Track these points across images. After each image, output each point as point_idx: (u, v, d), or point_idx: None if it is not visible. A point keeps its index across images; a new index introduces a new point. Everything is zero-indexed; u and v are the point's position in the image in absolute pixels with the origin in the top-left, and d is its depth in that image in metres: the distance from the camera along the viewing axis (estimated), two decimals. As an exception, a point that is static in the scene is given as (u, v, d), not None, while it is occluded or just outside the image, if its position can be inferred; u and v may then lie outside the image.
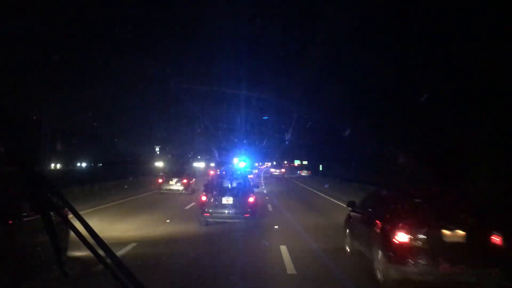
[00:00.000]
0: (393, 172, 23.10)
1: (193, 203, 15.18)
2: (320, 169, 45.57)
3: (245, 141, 37.91)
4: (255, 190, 13.35)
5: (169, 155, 39.27)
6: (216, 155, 38.51)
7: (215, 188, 11.59)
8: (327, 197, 21.62)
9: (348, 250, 7.48)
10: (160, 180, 21.02)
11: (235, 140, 37.48)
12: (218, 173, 15.24)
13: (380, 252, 5.52)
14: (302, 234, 10.42)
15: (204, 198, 11.17)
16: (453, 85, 16.65)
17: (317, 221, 12.42)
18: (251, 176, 34.91)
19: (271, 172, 53.88)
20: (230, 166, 23.85)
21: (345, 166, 35.07)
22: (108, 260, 1.66)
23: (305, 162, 49.68)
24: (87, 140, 29.26)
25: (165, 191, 20.18)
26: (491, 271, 4.82)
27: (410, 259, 4.95)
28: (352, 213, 7.75)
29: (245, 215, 11.04)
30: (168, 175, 21.45)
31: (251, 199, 11.34)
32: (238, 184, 11.94)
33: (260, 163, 63.10)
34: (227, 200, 11.10)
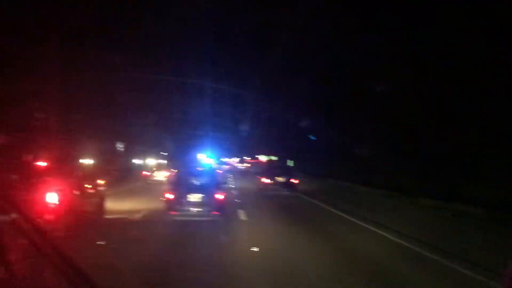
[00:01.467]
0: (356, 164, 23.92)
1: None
2: (292, 165, 46.45)
3: (211, 136, 37.71)
4: (224, 186, 13.19)
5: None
6: (174, 149, 38.11)
7: (182, 185, 11.32)
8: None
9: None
10: (147, 173, 27.55)
11: (201, 135, 37.19)
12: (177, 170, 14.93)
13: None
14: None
15: (170, 195, 10.92)
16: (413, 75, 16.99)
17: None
18: (220, 171, 34.92)
19: (239, 167, 54.38)
20: (195, 162, 23.86)
21: (314, 160, 35.72)
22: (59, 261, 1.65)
23: (274, 158, 50.01)
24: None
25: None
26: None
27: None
28: None
29: (213, 213, 10.84)
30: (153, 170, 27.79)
31: (219, 196, 11.10)
32: (205, 180, 11.70)
33: (229, 159, 63.05)
34: (194, 197, 10.93)
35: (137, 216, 12.04)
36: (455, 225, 11.69)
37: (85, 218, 9.86)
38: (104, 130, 33.68)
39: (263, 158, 52.64)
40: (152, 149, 42.44)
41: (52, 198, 8.55)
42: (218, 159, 49.07)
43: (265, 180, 21.55)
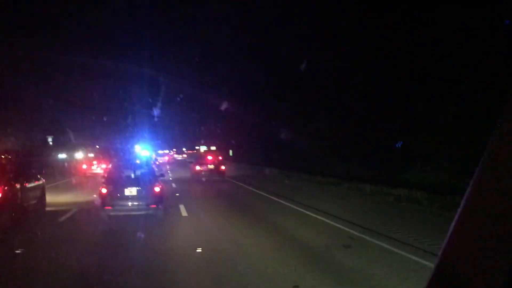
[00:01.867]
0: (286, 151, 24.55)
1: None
2: (230, 154, 45.80)
3: (148, 128, 36.75)
4: (161, 179, 12.83)
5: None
6: (109, 141, 36.71)
7: (117, 178, 11.03)
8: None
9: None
10: (85, 166, 27.12)
11: (136, 126, 35.97)
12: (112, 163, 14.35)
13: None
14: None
15: (104, 190, 10.51)
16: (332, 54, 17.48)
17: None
18: (158, 162, 34.47)
19: (177, 158, 54.10)
20: (131, 154, 23.15)
21: (256, 150, 36.24)
22: None
23: (213, 148, 50.04)
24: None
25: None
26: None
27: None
28: None
29: (151, 206, 10.57)
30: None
31: (157, 189, 10.88)
32: (142, 173, 11.43)
33: (167, 151, 61.82)
34: (130, 191, 10.59)
35: (69, 212, 11.64)
36: (396, 209, 12.00)
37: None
38: (30, 123, 31.98)
39: (203, 148, 52.58)
40: (85, 141, 40.35)
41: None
42: (155, 151, 47.80)
43: (197, 168, 24.31)
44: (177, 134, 51.65)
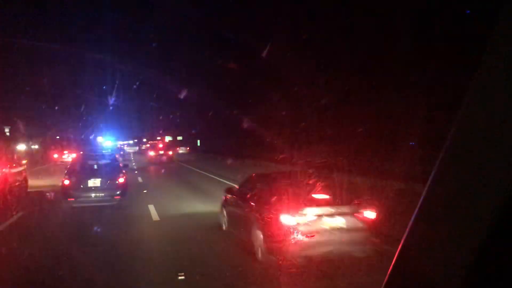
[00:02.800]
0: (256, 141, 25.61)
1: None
2: (198, 144, 46.91)
3: (110, 119, 36.98)
4: (124, 168, 12.86)
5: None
6: (70, 131, 36.57)
7: (80, 169, 11.36)
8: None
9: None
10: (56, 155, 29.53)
11: (99, 117, 36.10)
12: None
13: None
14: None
15: (66, 182, 10.76)
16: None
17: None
18: (121, 152, 35.39)
19: (140, 148, 54.59)
20: (94, 145, 23.84)
21: (220, 139, 37.09)
22: None
23: (179, 138, 49.80)
24: None
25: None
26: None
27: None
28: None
29: (115, 197, 10.90)
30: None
31: (121, 180, 11.21)
32: (105, 164, 11.88)
33: (131, 142, 61.77)
34: (94, 182, 10.86)
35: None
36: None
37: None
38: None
39: (168, 139, 52.93)
40: (44, 131, 39.65)
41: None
42: (118, 141, 47.87)
43: (151, 154, 34.46)
44: (137, 124, 51.56)
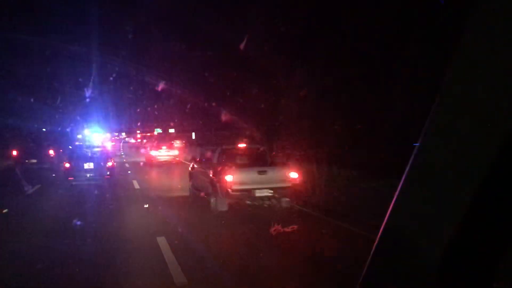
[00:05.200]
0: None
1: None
2: (193, 137, 46.82)
3: (101, 111, 39.26)
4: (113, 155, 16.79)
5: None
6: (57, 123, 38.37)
7: (77, 156, 15.05)
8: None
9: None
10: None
11: (89, 109, 38.23)
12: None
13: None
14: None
15: (67, 165, 14.49)
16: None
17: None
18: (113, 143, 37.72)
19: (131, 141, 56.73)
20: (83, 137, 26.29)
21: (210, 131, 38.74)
22: None
23: (171, 131, 50.03)
24: None
25: None
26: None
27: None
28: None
29: (106, 177, 14.62)
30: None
31: (109, 163, 15.04)
32: (98, 152, 15.83)
33: (122, 135, 64.17)
34: (89, 165, 14.55)
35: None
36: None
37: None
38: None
39: (158, 131, 53.53)
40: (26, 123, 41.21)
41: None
42: (110, 133, 50.37)
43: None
44: (117, 117, 53.32)
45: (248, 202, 8.70)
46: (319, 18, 17.62)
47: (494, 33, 1.06)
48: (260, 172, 8.78)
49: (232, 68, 24.00)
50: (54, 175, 17.14)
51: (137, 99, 41.37)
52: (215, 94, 27.27)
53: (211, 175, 9.50)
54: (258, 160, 9.77)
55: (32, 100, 33.67)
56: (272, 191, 8.64)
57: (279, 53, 20.04)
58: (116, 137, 61.01)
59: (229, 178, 8.66)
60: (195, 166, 11.35)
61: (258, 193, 8.54)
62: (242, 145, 10.79)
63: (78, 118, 39.74)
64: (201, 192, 10.18)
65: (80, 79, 32.28)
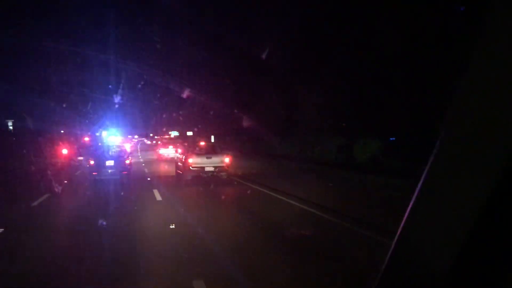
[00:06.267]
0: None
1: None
2: (212, 140, 47.17)
3: (110, 114, 40.98)
4: (130, 155, 21.73)
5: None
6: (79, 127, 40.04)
7: (100, 155, 18.51)
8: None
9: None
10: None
11: (99, 112, 40.76)
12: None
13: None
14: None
15: (92, 162, 18.01)
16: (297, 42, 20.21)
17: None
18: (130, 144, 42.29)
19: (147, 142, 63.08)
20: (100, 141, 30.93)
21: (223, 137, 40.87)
22: None
23: (189, 133, 47.86)
24: None
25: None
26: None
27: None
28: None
29: (123, 173, 17.82)
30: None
31: (127, 161, 18.89)
32: (117, 151, 19.56)
33: (137, 137, 68.45)
34: (109, 163, 17.84)
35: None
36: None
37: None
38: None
39: (174, 134, 55.97)
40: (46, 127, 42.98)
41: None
42: (127, 136, 55.81)
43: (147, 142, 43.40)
44: (141, 121, 55.80)
45: (201, 173, 15.90)
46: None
47: None
48: (207, 157, 16.17)
49: (250, 76, 25.83)
50: (79, 171, 20.70)
51: (157, 105, 42.66)
52: (233, 100, 29.30)
53: (183, 160, 16.92)
54: (209, 150, 17.43)
55: (64, 105, 35.12)
56: (214, 168, 16.01)
57: (292, 67, 21.46)
58: (134, 139, 66.14)
59: (190, 160, 16.06)
60: (178, 157, 18.72)
61: (206, 169, 15.97)
62: (202, 143, 18.74)
63: (103, 122, 44.24)
64: (179, 170, 17.62)
65: (98, 86, 34.54)
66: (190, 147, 19.16)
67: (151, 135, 61.37)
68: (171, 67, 30.20)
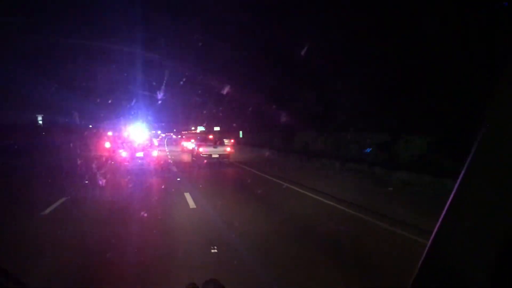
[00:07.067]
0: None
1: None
2: (241, 136, 49.05)
3: (150, 110, 43.12)
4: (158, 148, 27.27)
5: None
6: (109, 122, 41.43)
7: (131, 147, 22.19)
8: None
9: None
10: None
11: (138, 108, 42.44)
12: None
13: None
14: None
15: (124, 153, 21.62)
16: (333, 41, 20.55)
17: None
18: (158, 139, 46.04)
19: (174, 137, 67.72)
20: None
21: (260, 133, 41.67)
22: None
23: (217, 129, 46.13)
24: None
25: None
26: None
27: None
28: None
29: (151, 162, 21.78)
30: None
31: (155, 153, 23.47)
32: (146, 144, 23.24)
33: (159, 132, 71.02)
34: (139, 154, 21.93)
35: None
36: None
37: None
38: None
39: (201, 129, 58.10)
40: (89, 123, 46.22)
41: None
42: (155, 131, 59.39)
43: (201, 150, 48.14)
44: (181, 117, 60.08)
45: (209, 159, 22.10)
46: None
47: None
48: (214, 147, 22.51)
49: (286, 73, 26.92)
50: (113, 162, 22.38)
51: (189, 101, 47.59)
52: (268, 97, 30.47)
53: (196, 149, 23.09)
54: (215, 142, 23.39)
55: (109, 101, 39.03)
56: (218, 155, 22.14)
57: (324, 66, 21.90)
58: (162, 134, 70.40)
59: (200, 149, 22.39)
60: (193, 148, 24.91)
61: (213, 156, 22.35)
62: (210, 136, 25.10)
63: (135, 117, 47.51)
64: (193, 157, 23.73)
65: (134, 86, 36.84)
66: (202, 140, 25.74)
67: (174, 130, 66.55)
68: (207, 66, 32.77)
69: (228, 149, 23.34)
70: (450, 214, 1.16)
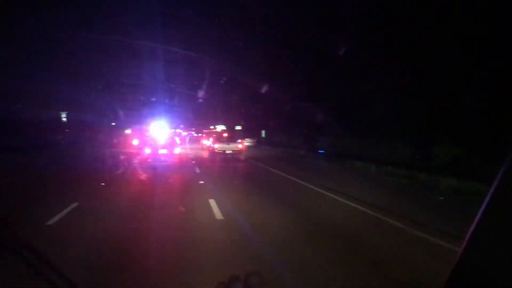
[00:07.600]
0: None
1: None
2: (263, 136, 49.44)
3: (165, 106, 44.74)
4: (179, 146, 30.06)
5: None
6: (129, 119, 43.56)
7: (155, 144, 23.27)
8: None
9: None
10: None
11: (154, 104, 44.98)
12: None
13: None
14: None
15: (148, 150, 22.75)
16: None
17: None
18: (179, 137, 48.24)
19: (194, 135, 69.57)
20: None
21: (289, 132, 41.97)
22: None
23: (238, 128, 46.92)
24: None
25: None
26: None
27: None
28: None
29: (173, 159, 22.91)
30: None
31: (176, 150, 24.31)
32: (169, 142, 24.27)
33: (188, 132, 71.93)
34: (162, 151, 23.04)
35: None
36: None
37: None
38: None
39: (221, 127, 58.61)
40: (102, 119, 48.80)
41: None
42: (177, 129, 60.47)
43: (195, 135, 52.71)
44: (203, 117, 60.43)
45: (223, 154, 25.98)
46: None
47: None
48: (227, 143, 26.98)
49: (320, 73, 26.88)
50: (137, 159, 23.46)
51: (215, 100, 47.62)
52: (302, 97, 30.61)
53: (211, 146, 27.24)
54: (229, 139, 27.82)
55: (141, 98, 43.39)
56: (231, 151, 26.19)
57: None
58: (183, 133, 71.07)
59: (215, 146, 26.74)
60: (210, 145, 28.77)
61: (227, 151, 26.51)
62: (224, 134, 28.97)
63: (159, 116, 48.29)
64: (210, 154, 27.83)
65: (161, 85, 38.32)
66: (217, 138, 29.94)
67: (193, 129, 69.21)
68: (233, 65, 31.81)
69: (240, 146, 27.95)
70: (485, 219, 1.15)
